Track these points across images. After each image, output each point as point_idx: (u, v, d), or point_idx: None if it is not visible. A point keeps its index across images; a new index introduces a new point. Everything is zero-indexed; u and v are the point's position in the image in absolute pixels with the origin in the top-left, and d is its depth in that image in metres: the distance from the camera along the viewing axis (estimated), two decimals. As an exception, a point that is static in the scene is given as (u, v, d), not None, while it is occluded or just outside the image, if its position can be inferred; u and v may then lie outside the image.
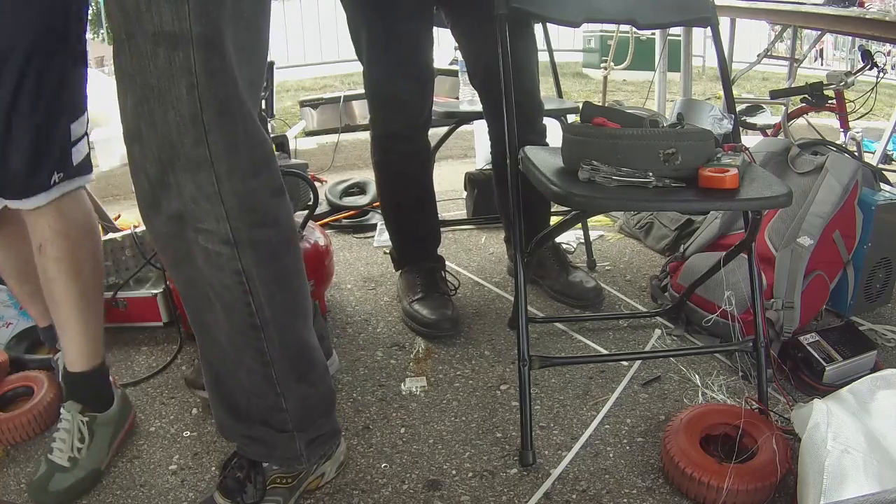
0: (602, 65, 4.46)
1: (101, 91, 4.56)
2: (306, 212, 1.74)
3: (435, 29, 1.66)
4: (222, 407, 1.05)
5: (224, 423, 1.08)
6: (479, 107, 2.07)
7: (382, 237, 2.36)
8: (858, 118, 2.81)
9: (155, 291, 1.72)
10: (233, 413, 1.05)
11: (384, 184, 1.77)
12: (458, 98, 2.19)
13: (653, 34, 4.09)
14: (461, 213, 2.59)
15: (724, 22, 3.01)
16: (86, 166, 1.21)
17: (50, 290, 1.21)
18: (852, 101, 2.77)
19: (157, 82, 0.82)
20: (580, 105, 1.37)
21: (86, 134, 1.21)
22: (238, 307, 0.94)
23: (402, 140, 1.68)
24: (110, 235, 1.81)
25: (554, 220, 1.88)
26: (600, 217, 2.48)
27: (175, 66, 0.81)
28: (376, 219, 2.50)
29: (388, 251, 2.08)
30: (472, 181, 2.51)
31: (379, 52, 1.57)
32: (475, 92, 1.83)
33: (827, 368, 1.41)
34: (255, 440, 1.06)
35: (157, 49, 0.81)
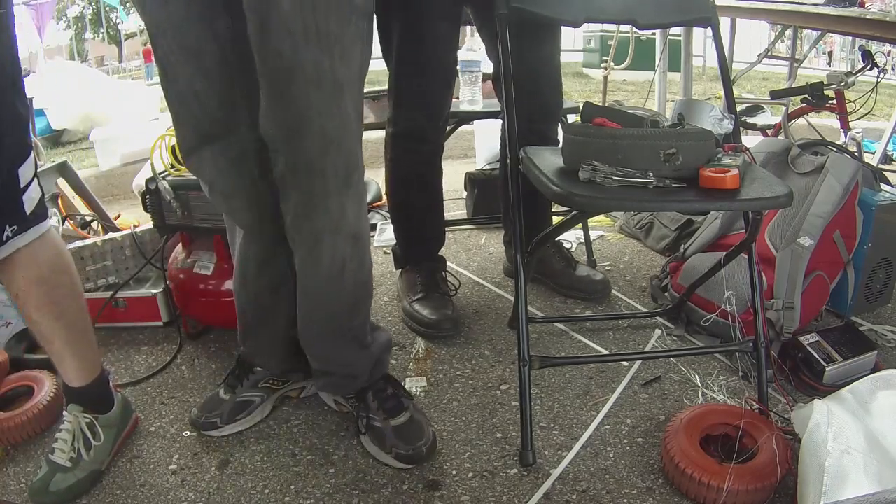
0: (602, 65, 4.46)
1: (102, 91, 4.56)
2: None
3: None
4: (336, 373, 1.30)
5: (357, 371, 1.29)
6: (479, 106, 2.07)
7: (382, 237, 2.36)
8: (859, 118, 2.81)
9: (155, 291, 1.72)
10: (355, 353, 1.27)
11: (396, 182, 1.77)
12: (458, 98, 2.19)
13: (653, 34, 4.09)
14: (461, 213, 2.59)
15: (724, 22, 3.01)
16: (41, 213, 1.14)
17: (36, 330, 1.19)
18: (852, 102, 2.77)
19: (349, 43, 1.03)
20: (580, 105, 1.37)
21: (35, 176, 1.12)
22: (367, 246, 1.22)
23: (420, 140, 1.69)
24: (110, 235, 1.81)
25: (555, 219, 1.88)
26: (600, 217, 2.48)
27: (358, 34, 1.05)
28: (376, 219, 2.50)
29: (387, 251, 2.09)
30: (472, 181, 2.51)
31: (408, 50, 1.58)
32: (475, 91, 1.83)
33: (827, 369, 1.41)
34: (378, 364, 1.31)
35: (351, 17, 1.03)
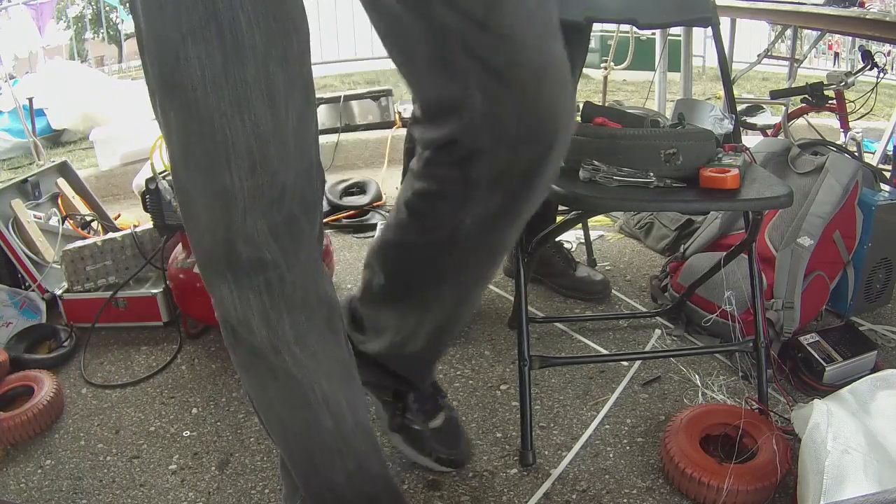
0: (602, 65, 4.45)
1: (102, 91, 4.55)
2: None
3: None
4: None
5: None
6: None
7: (382, 237, 2.36)
8: (858, 118, 2.80)
9: (155, 291, 1.72)
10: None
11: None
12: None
13: (653, 34, 4.08)
14: (461, 212, 2.59)
15: (724, 22, 3.00)
16: None
17: None
18: (852, 102, 2.76)
19: None
20: (580, 105, 1.37)
21: None
22: None
23: None
24: (110, 235, 1.81)
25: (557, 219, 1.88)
26: (600, 217, 2.48)
27: None
28: (376, 218, 2.50)
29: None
30: (472, 181, 2.50)
31: None
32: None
33: (827, 369, 1.41)
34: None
35: None
